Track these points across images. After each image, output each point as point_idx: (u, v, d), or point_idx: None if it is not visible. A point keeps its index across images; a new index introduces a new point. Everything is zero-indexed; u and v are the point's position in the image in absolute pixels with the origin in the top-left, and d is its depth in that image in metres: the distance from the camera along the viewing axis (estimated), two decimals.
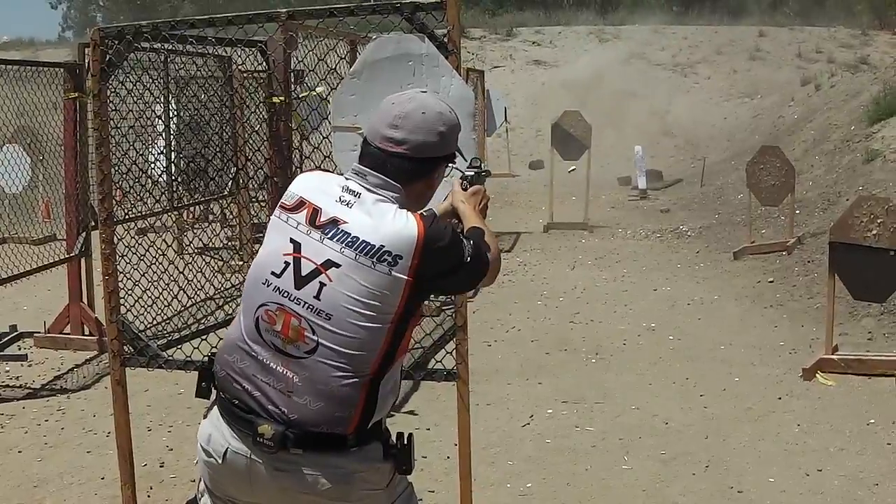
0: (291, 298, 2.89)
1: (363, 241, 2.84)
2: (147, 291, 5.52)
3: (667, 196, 19.52)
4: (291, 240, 2.94)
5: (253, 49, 7.57)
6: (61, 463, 6.21)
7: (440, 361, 4.73)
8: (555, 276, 11.85)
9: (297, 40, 6.26)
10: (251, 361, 2.94)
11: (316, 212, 2.93)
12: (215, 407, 3.02)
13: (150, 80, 10.64)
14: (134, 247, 5.39)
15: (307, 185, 3.04)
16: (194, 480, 5.75)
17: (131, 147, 7.10)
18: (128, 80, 9.82)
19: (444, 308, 9.77)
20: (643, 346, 8.68)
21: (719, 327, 9.28)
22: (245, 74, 11.05)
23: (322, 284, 2.87)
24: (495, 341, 8.66)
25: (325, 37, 7.05)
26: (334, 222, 2.89)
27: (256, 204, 11.40)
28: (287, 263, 2.92)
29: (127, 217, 9.97)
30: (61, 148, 9.13)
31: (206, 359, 3.15)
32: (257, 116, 10.71)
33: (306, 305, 2.88)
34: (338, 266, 2.85)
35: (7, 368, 8.33)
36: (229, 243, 12.47)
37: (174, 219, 12.65)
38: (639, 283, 11.35)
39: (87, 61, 8.65)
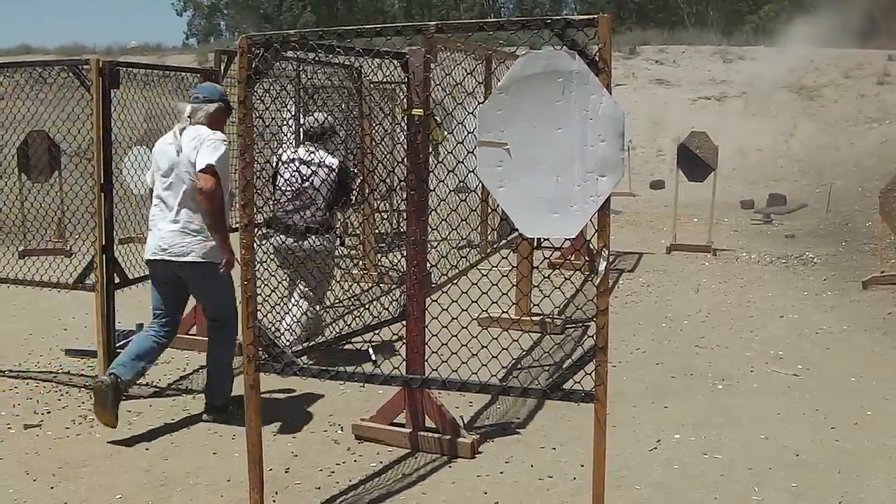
0: None
1: None
2: (283, 299, 5.53)
3: (791, 221, 19.11)
4: None
5: (383, 60, 7.59)
6: (187, 463, 6.27)
7: (579, 382, 4.65)
8: (679, 299, 11.66)
9: (437, 54, 6.24)
10: None
11: None
12: None
13: (282, 88, 10.82)
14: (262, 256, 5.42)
15: None
16: (319, 488, 5.79)
17: (265, 153, 7.22)
18: (260, 87, 9.98)
19: (567, 326, 9.70)
20: (771, 375, 8.45)
21: (849, 358, 9.00)
22: (374, 86, 11.14)
23: None
24: (620, 362, 8.53)
25: (458, 51, 7.05)
26: None
27: (379, 215, 11.47)
28: None
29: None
30: None
31: None
32: (383, 128, 10.78)
33: None
34: None
35: None
36: (350, 252, 12.55)
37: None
38: (764, 310, 11.10)
39: (221, 67, 8.81)
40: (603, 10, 43.81)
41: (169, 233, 6.74)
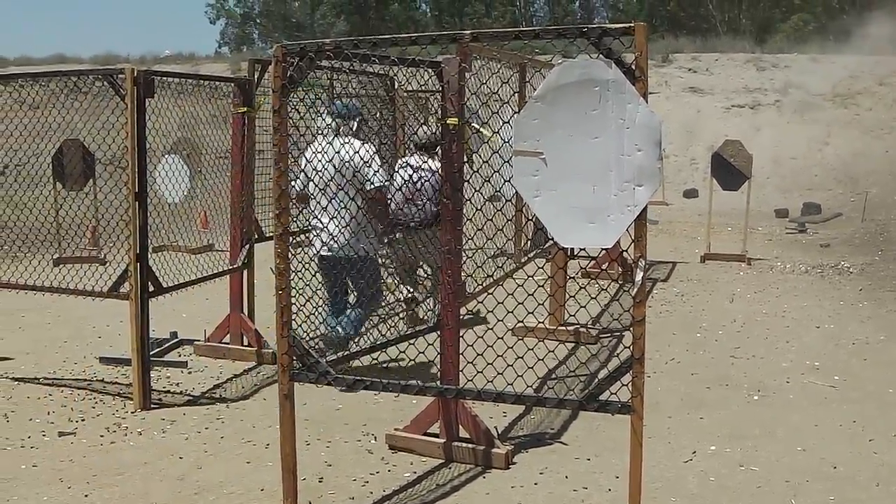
0: None
1: None
2: (317, 309, 5.52)
3: (826, 230, 18.96)
4: None
5: (417, 69, 7.57)
6: (221, 472, 6.26)
7: (615, 393, 4.61)
8: (713, 308, 11.57)
9: (472, 62, 6.22)
10: None
11: None
12: None
13: (316, 97, 10.83)
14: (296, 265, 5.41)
15: None
16: (353, 498, 5.77)
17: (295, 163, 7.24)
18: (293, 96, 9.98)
19: (601, 336, 9.65)
20: (807, 386, 8.36)
21: (887, 369, 8.89)
22: (407, 94, 11.13)
23: None
24: (654, 372, 8.46)
25: (492, 60, 7.02)
26: None
27: None
28: None
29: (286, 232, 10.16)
30: (220, 160, 9.30)
31: None
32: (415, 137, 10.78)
33: None
34: None
35: (168, 374, 8.52)
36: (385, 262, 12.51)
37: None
38: (800, 320, 10.99)
39: (256, 76, 8.82)
40: (635, 18, 43.71)
41: (336, 232, 7.68)
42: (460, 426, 6.44)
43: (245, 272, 8.98)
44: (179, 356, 9.13)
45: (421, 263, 9.61)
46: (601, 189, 4.39)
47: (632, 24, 4.35)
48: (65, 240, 14.01)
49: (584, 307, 5.48)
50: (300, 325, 5.17)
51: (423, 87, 11.94)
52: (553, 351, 6.31)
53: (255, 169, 8.92)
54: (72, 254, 13.13)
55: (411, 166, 8.89)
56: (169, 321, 9.59)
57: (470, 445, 6.37)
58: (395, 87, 10.74)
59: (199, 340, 9.28)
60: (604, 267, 12.69)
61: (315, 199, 7.68)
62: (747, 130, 23.83)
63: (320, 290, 6.84)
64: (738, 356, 9.32)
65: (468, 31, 4.55)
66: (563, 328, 9.27)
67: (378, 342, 6.05)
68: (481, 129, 6.90)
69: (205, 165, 10.16)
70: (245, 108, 8.64)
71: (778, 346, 9.74)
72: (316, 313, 5.52)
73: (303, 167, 7.71)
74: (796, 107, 26.43)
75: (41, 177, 13.30)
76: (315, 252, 7.92)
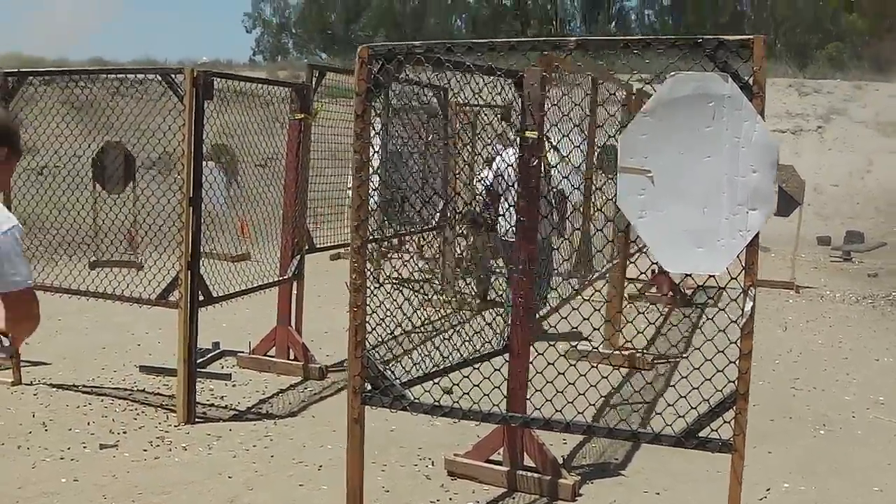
0: None
1: None
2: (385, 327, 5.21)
3: (872, 259, 18.60)
4: None
5: (469, 80, 7.27)
6: (273, 494, 5.97)
7: (716, 430, 4.31)
8: (767, 338, 11.19)
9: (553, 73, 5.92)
10: None
11: None
12: None
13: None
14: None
15: None
16: None
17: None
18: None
19: (657, 362, 9.31)
20: (874, 422, 8.02)
21: None
22: (460, 107, 10.86)
23: None
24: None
25: (574, 72, 6.72)
26: None
27: (463, 240, 11.22)
28: None
29: (324, 246, 9.87)
30: (257, 169, 8.96)
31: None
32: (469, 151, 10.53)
33: None
34: None
35: (211, 387, 8.22)
36: (425, 276, 12.24)
37: (375, 249, 12.53)
38: (857, 351, 10.65)
39: (313, 82, 8.54)
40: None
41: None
42: (525, 454, 6.12)
43: (294, 284, 8.68)
44: (222, 368, 8.85)
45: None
46: (712, 211, 4.10)
47: (750, 37, 4.05)
48: (103, 243, 13.75)
49: (642, 332, 5.17)
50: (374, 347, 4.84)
51: (475, 100, 11.70)
52: (607, 377, 6.00)
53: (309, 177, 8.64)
54: (109, 257, 12.85)
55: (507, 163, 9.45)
56: (209, 331, 9.29)
57: (535, 475, 6.04)
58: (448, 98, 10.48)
59: (242, 352, 8.99)
60: (662, 292, 12.43)
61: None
62: (789, 156, 23.40)
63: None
64: (798, 387, 8.99)
65: (572, 38, 4.23)
66: (619, 353, 8.94)
67: (446, 363, 5.71)
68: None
69: (241, 173, 9.89)
70: (302, 115, 8.34)
71: (838, 379, 9.40)
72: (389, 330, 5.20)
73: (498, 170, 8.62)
74: (838, 134, 26.05)
75: (83, 178, 13.09)
76: (499, 235, 9.28)
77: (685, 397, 4.68)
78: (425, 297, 9.98)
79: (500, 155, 9.04)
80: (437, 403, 4.58)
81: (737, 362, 4.21)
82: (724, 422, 4.29)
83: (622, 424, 5.65)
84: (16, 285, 3.60)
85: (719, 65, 4.08)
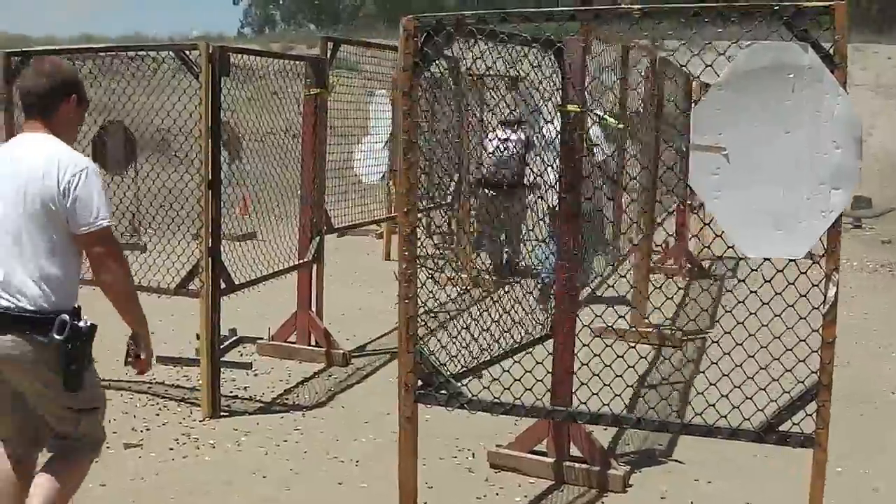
0: None
1: None
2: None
3: (883, 225, 18.37)
4: None
5: (481, 52, 6.96)
6: (312, 494, 5.72)
7: (797, 424, 4.05)
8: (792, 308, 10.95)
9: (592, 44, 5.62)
10: None
11: None
12: None
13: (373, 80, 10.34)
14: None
15: None
16: None
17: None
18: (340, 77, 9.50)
19: (686, 338, 9.03)
20: None
21: None
22: (472, 78, 10.57)
23: None
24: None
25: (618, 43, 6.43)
26: None
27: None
28: None
29: (343, 225, 9.58)
30: (258, 144, 8.60)
31: None
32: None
33: None
34: None
35: (233, 376, 7.92)
36: (438, 252, 11.92)
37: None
38: (888, 322, 10.41)
39: (328, 55, 8.20)
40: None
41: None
42: (572, 444, 5.85)
43: (314, 267, 8.38)
44: (241, 356, 8.55)
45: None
46: (791, 191, 3.82)
47: (831, 3, 3.76)
48: None
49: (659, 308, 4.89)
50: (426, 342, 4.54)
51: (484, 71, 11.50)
52: (645, 357, 5.72)
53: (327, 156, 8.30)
54: None
55: (499, 138, 10.94)
56: (229, 319, 8.99)
57: (583, 466, 5.78)
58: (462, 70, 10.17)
59: (261, 339, 8.69)
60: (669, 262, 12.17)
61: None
62: None
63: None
64: (833, 361, 8.71)
65: (637, 6, 3.91)
66: (647, 329, 8.67)
67: (492, 354, 5.42)
68: (606, 117, 6.31)
69: (245, 149, 9.56)
70: (319, 90, 7.98)
71: (872, 352, 9.16)
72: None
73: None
74: None
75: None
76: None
77: (754, 385, 4.42)
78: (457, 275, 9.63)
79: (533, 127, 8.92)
80: (497, 400, 4.29)
81: (818, 351, 3.94)
82: (807, 415, 4.03)
83: (672, 416, 5.41)
84: (106, 220, 3.94)
85: (798, 34, 3.79)
